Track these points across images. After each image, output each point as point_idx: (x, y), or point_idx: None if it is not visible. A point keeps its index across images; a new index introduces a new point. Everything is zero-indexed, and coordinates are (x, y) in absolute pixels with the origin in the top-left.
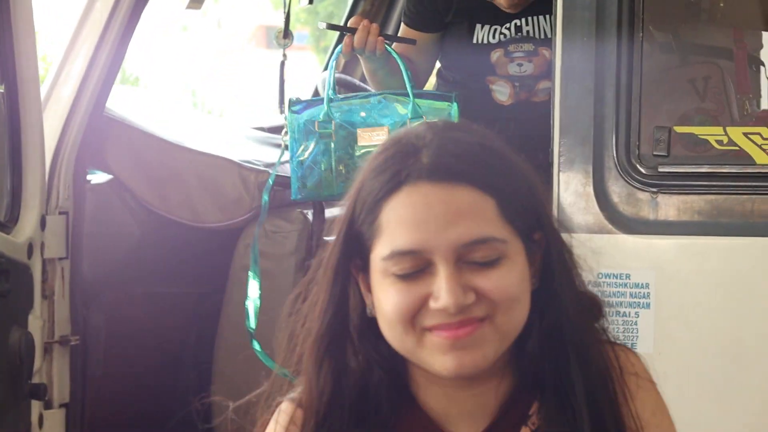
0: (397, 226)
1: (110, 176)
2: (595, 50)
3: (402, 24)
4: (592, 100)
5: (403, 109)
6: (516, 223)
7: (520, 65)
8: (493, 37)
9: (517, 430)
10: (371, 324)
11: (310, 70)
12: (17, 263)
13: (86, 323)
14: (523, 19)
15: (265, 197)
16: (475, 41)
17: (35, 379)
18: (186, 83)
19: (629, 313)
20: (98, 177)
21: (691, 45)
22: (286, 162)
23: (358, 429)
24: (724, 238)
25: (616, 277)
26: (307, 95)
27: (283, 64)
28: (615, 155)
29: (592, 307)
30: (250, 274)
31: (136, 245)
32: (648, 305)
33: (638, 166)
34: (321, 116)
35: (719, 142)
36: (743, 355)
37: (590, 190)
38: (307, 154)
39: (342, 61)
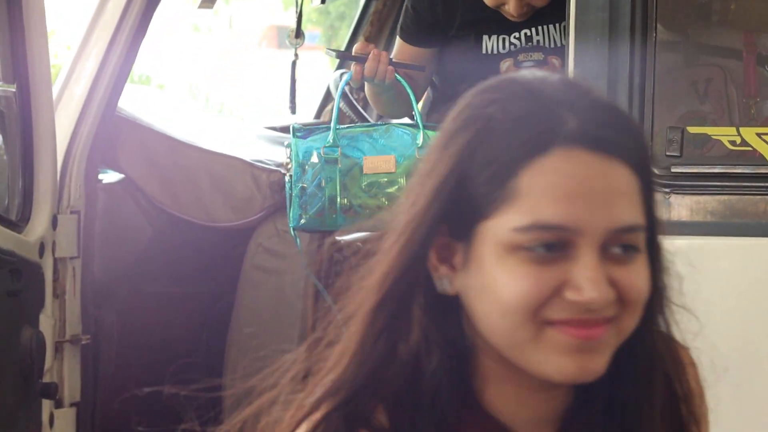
0: (545, 194)
1: (122, 176)
2: (608, 51)
3: (397, 38)
4: None
5: (409, 138)
6: (648, 213)
7: None
8: (503, 47)
9: None
10: (439, 301)
11: (322, 70)
12: (29, 262)
13: (97, 322)
14: (533, 29)
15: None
16: (484, 52)
17: (46, 378)
18: (197, 83)
19: None
20: (110, 176)
21: (704, 46)
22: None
23: (407, 426)
24: (737, 239)
25: None
26: (318, 95)
27: (294, 63)
28: None
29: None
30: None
31: (147, 244)
32: None
33: (651, 166)
34: (328, 141)
35: (732, 143)
36: (757, 356)
37: None
38: (310, 180)
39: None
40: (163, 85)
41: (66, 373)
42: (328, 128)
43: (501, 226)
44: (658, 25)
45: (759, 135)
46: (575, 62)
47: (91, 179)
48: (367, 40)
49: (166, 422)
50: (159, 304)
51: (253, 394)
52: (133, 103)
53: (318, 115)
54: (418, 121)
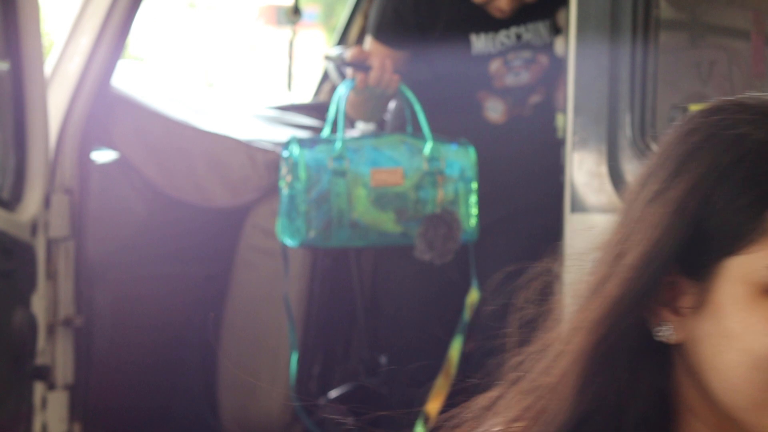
0: None
1: (116, 155)
2: (610, 28)
3: (370, 39)
4: (606, 79)
5: (416, 149)
6: None
7: (517, 74)
8: (494, 46)
9: None
10: (651, 349)
11: (320, 48)
12: (21, 242)
13: (91, 304)
14: (523, 26)
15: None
16: (474, 52)
17: (39, 360)
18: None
19: None
20: (104, 155)
21: (708, 24)
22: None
23: None
24: None
25: None
26: (316, 74)
27: (291, 42)
28: (630, 134)
29: None
30: None
31: (141, 225)
32: None
33: (653, 145)
34: (335, 152)
35: None
36: None
37: (604, 169)
38: (317, 193)
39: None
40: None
41: (59, 355)
42: (333, 139)
43: (755, 263)
44: (662, 2)
45: None
46: (577, 42)
47: (85, 158)
48: (366, 17)
49: (161, 403)
50: (153, 285)
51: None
52: (127, 80)
53: (315, 94)
54: (426, 132)
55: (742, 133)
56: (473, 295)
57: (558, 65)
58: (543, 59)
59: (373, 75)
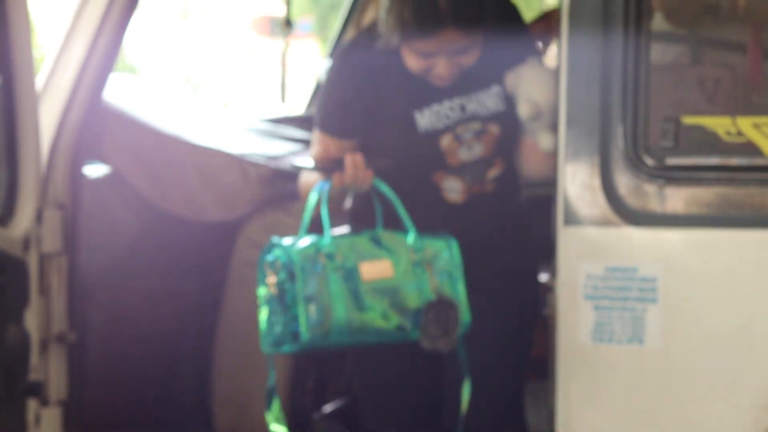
0: None
1: (108, 169)
2: (602, 40)
3: (318, 133)
4: (598, 91)
5: (401, 242)
6: None
7: (470, 147)
8: (439, 121)
9: None
10: None
11: (314, 59)
12: (13, 258)
13: (84, 319)
14: (466, 97)
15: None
16: (421, 130)
17: (32, 377)
18: (186, 72)
19: (636, 307)
20: (96, 170)
21: (700, 35)
22: (290, 154)
23: None
24: (732, 231)
25: (623, 271)
26: (310, 84)
27: (284, 54)
28: (622, 146)
29: None
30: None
31: (134, 239)
32: (655, 299)
33: (645, 157)
34: (326, 248)
35: (728, 133)
36: (752, 349)
37: (597, 182)
38: (311, 292)
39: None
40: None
41: (52, 371)
42: (320, 235)
43: None
44: (653, 14)
45: (755, 126)
46: (569, 52)
47: (77, 173)
48: (359, 28)
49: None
50: (146, 299)
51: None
52: (119, 94)
53: (308, 106)
54: (408, 224)
55: None
56: (466, 392)
57: (512, 133)
58: (493, 129)
59: (348, 174)
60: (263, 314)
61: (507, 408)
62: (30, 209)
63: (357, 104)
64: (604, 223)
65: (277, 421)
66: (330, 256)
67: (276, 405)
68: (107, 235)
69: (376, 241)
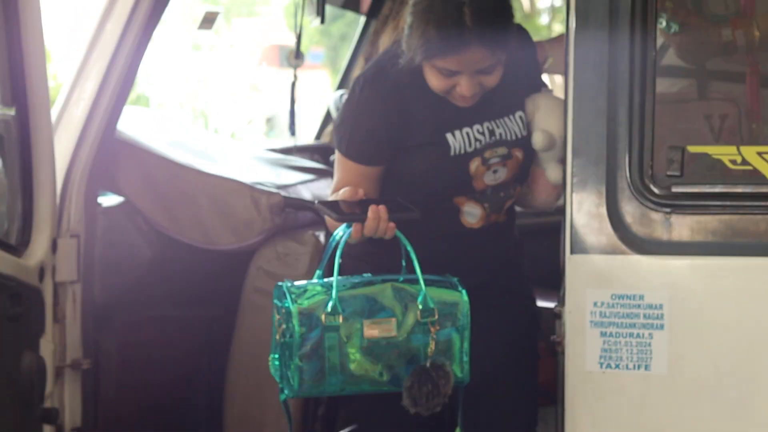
0: None
1: (122, 199)
2: (608, 70)
3: (340, 157)
4: (605, 120)
5: (412, 298)
6: None
7: (495, 171)
8: (469, 144)
9: None
10: None
11: (324, 90)
12: (29, 287)
13: (98, 347)
14: (493, 122)
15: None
16: (452, 153)
17: (47, 404)
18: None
19: (643, 334)
20: (109, 199)
21: (705, 67)
22: (300, 184)
23: None
24: (738, 259)
25: (630, 298)
26: (320, 114)
27: (293, 85)
28: (628, 175)
29: None
30: None
31: (147, 268)
32: (662, 326)
33: (651, 186)
34: (329, 308)
35: (733, 162)
36: (758, 375)
37: (603, 210)
38: (309, 345)
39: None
40: (162, 105)
41: (67, 398)
42: (328, 288)
43: None
44: (659, 44)
45: (760, 154)
46: (575, 82)
47: (91, 202)
48: (367, 60)
49: None
50: (160, 327)
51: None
52: (132, 124)
53: (318, 136)
54: (421, 282)
55: None
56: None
57: (532, 159)
58: (518, 154)
59: (368, 226)
60: (273, 339)
61: (522, 426)
62: (45, 239)
63: (385, 133)
64: (610, 251)
65: None
66: (332, 316)
67: None
68: (121, 264)
69: (387, 296)
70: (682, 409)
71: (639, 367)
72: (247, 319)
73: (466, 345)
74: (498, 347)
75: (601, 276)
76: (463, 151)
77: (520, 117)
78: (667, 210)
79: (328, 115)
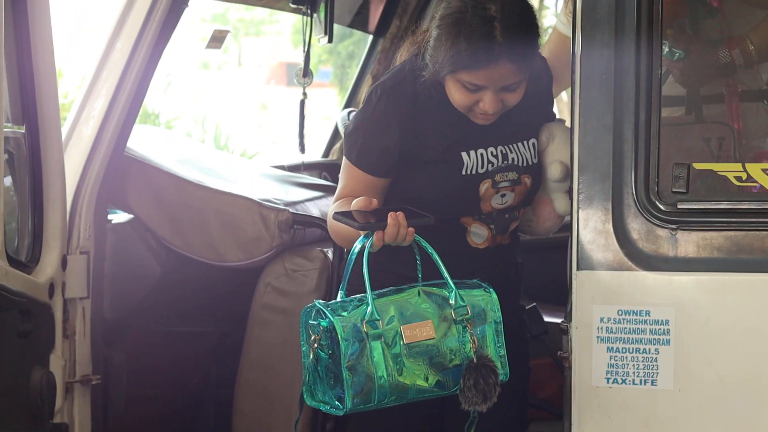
0: None
1: (131, 216)
2: (614, 87)
3: (349, 165)
4: (611, 137)
5: (443, 299)
6: None
7: (503, 196)
8: (482, 166)
9: None
10: None
11: (333, 108)
12: (39, 303)
13: (107, 362)
14: (507, 147)
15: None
16: (464, 172)
17: (56, 419)
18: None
19: (649, 349)
20: (119, 216)
21: (710, 83)
22: (308, 201)
23: None
24: (744, 275)
25: (636, 314)
26: (328, 132)
27: (302, 102)
28: (634, 192)
29: None
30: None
31: (156, 284)
32: (668, 342)
33: (657, 202)
34: (367, 316)
35: (738, 179)
36: (764, 390)
37: (609, 227)
38: (353, 359)
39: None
40: (171, 123)
41: (76, 413)
42: (362, 301)
43: None
44: (665, 62)
45: (765, 171)
46: (581, 99)
47: (101, 219)
48: (375, 78)
49: None
50: (169, 343)
51: None
52: (141, 142)
53: (326, 154)
54: (449, 281)
55: None
56: None
57: (539, 187)
58: (527, 180)
59: (389, 232)
60: (305, 368)
61: None
62: (55, 255)
63: (398, 146)
64: (617, 267)
65: None
66: (372, 324)
67: None
68: (130, 280)
69: (417, 300)
70: (688, 424)
71: (645, 382)
72: (256, 335)
73: (501, 339)
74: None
75: (607, 292)
76: (474, 172)
77: (533, 144)
78: (673, 226)
79: (335, 132)
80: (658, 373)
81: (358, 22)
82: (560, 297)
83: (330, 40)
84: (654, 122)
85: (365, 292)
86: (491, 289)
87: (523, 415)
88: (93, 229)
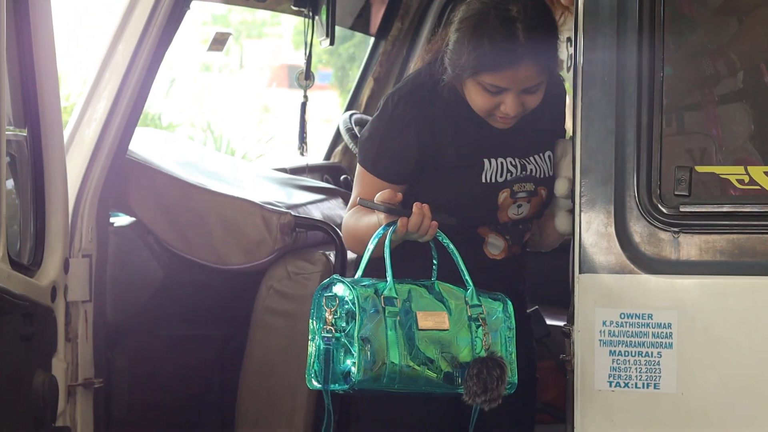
0: None
1: (133, 219)
2: (616, 91)
3: (364, 172)
4: (613, 140)
5: (458, 296)
6: None
7: (519, 206)
8: (501, 174)
9: None
10: None
11: (333, 110)
12: (41, 306)
13: (110, 366)
14: (525, 158)
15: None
16: (484, 180)
17: (59, 423)
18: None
19: (652, 353)
20: (121, 219)
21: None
22: (310, 203)
23: None
24: (746, 278)
25: (639, 317)
26: (329, 134)
27: (304, 105)
28: (636, 195)
29: None
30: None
31: (159, 287)
32: (670, 345)
33: (660, 205)
34: (386, 292)
35: (740, 182)
36: (767, 393)
37: (612, 230)
38: (368, 331)
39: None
40: (173, 125)
41: (79, 417)
42: (379, 279)
43: None
44: (666, 65)
45: (767, 173)
46: (583, 102)
47: (103, 222)
48: (376, 80)
49: None
50: (171, 346)
51: None
52: (143, 145)
53: (328, 156)
54: (468, 280)
55: None
56: None
57: (551, 199)
58: (543, 192)
59: (413, 221)
60: (311, 349)
61: None
62: (57, 259)
63: (415, 152)
64: (619, 270)
65: None
66: (389, 300)
67: None
68: (132, 283)
69: (435, 292)
70: (691, 427)
71: (648, 385)
72: (258, 338)
73: (512, 346)
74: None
75: (610, 295)
76: (494, 180)
77: (549, 157)
78: (675, 229)
79: (337, 135)
80: (660, 376)
81: (360, 24)
82: (563, 300)
83: (332, 43)
84: (656, 125)
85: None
86: (508, 301)
87: (530, 424)
88: (95, 232)
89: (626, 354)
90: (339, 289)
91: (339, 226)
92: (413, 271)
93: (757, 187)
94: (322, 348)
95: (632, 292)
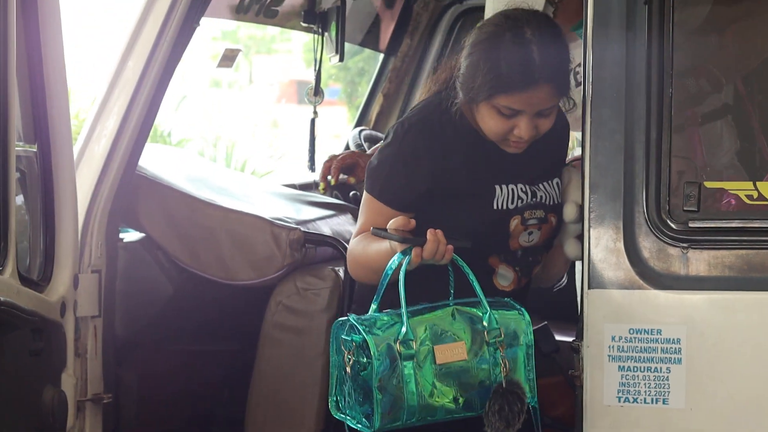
0: None
1: (142, 234)
2: (625, 106)
3: (371, 199)
4: (622, 156)
5: (476, 320)
6: None
7: (530, 233)
8: (512, 201)
9: None
10: None
11: (342, 126)
12: (50, 322)
13: (119, 381)
14: (535, 185)
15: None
16: (495, 206)
17: None
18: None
19: (661, 368)
20: (130, 235)
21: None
22: (319, 219)
23: None
24: (755, 293)
25: (648, 333)
26: (338, 151)
27: (313, 121)
28: (645, 211)
29: None
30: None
31: (168, 302)
32: (680, 360)
33: (669, 221)
34: (402, 335)
35: (749, 197)
36: None
37: (621, 245)
38: (385, 378)
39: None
40: (182, 142)
41: None
42: (397, 316)
43: None
44: (675, 80)
45: None
46: (592, 118)
47: (112, 238)
48: (386, 96)
49: None
50: (180, 361)
51: None
52: (153, 161)
53: None
54: (484, 302)
55: None
56: None
57: (560, 227)
58: (553, 219)
59: (429, 248)
60: (332, 379)
61: None
62: (67, 274)
63: (425, 181)
64: (628, 285)
65: None
66: (406, 344)
67: None
68: (142, 299)
69: (451, 320)
70: None
71: (657, 401)
72: (267, 354)
73: (531, 362)
74: None
75: (619, 310)
76: (505, 207)
77: (557, 183)
78: (684, 245)
79: (346, 149)
80: (669, 391)
81: (369, 40)
82: (571, 316)
83: (341, 59)
84: (665, 141)
85: (396, 306)
86: (524, 311)
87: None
88: (104, 247)
89: (635, 369)
90: (355, 335)
91: (348, 241)
92: (429, 293)
93: (766, 203)
94: (345, 383)
95: (641, 307)
